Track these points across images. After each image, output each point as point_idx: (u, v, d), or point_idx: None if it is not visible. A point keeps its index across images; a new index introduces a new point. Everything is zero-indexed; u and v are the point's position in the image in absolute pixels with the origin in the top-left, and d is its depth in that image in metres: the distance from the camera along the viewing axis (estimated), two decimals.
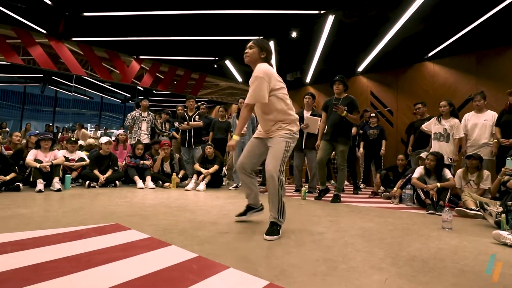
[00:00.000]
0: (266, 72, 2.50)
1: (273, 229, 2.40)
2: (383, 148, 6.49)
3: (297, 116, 2.69)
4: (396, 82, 7.91)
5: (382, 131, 6.58)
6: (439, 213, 3.72)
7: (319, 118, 5.22)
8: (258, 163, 2.84)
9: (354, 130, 5.96)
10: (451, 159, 4.72)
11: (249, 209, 2.96)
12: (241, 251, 1.97)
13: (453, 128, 4.76)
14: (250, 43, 2.66)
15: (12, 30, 7.65)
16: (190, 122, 6.03)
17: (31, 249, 1.83)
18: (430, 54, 7.18)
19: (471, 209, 3.69)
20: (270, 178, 2.44)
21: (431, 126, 5.06)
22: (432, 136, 5.01)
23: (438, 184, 4.15)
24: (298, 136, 2.64)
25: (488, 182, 4.31)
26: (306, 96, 5.60)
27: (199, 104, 6.57)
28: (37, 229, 2.28)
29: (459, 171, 4.63)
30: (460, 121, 4.88)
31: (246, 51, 2.66)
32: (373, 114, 6.82)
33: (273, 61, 8.38)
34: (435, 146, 4.89)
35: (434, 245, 2.30)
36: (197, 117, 6.13)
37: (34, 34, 7.95)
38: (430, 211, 3.88)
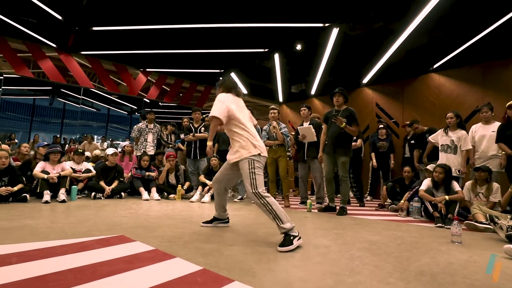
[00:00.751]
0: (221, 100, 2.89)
1: (285, 240, 2.41)
2: (392, 161, 6.45)
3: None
4: (401, 94, 7.89)
5: (391, 144, 6.56)
6: (447, 226, 3.66)
7: (311, 126, 5.25)
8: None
9: (359, 142, 5.93)
10: (459, 171, 4.66)
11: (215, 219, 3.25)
12: (246, 264, 1.95)
13: (460, 139, 4.71)
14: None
15: (23, 44, 7.85)
16: (195, 134, 6.06)
17: (36, 260, 1.83)
18: (435, 66, 7.18)
19: (481, 223, 3.62)
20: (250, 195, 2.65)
21: (438, 137, 5.02)
22: (439, 148, 4.96)
23: (447, 197, 4.09)
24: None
25: (498, 195, 4.23)
26: (302, 109, 5.62)
27: (204, 116, 6.61)
28: (43, 240, 2.28)
29: (468, 184, 4.56)
30: (467, 133, 4.83)
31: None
32: (381, 126, 6.78)
33: (277, 73, 8.51)
34: (442, 158, 4.83)
35: (444, 260, 2.25)
36: (202, 128, 6.16)
37: (44, 48, 8.14)
38: (438, 224, 3.81)
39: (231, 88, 3.04)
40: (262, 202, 2.57)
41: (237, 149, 2.82)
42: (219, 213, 3.22)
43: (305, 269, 1.89)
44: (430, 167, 4.85)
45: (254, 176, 2.63)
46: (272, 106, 5.49)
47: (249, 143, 2.78)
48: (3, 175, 4.27)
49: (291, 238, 2.42)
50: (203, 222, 3.22)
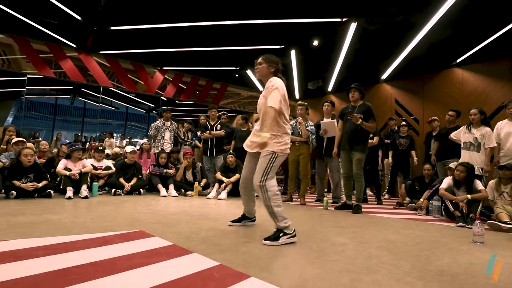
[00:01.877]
0: (281, 85, 2.68)
1: (273, 234, 2.49)
2: (415, 158, 6.31)
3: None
4: (422, 90, 7.71)
5: (412, 141, 6.41)
6: (469, 226, 3.55)
7: (335, 121, 5.17)
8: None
9: (375, 139, 5.82)
10: (482, 169, 4.50)
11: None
12: (263, 260, 1.96)
13: (484, 137, 4.55)
14: (259, 59, 2.80)
15: (45, 45, 8.09)
16: (212, 131, 6.10)
17: (60, 253, 1.90)
18: (458, 60, 6.96)
19: (505, 223, 3.51)
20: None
21: (460, 134, 4.87)
22: (462, 146, 4.81)
23: (469, 196, 3.97)
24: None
25: None
26: (325, 104, 5.54)
27: (220, 113, 6.65)
28: (66, 235, 2.36)
29: (492, 182, 4.40)
30: (492, 130, 4.66)
31: (256, 67, 2.81)
32: (403, 123, 6.64)
33: (294, 69, 8.45)
34: (465, 156, 4.68)
35: (465, 260, 2.20)
36: (218, 126, 6.19)
37: (65, 48, 8.37)
38: (459, 224, 3.71)
39: (281, 70, 2.81)
40: (265, 196, 2.55)
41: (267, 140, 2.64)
42: (248, 211, 3.23)
43: (321, 267, 1.88)
44: (452, 165, 4.71)
45: (269, 171, 2.58)
46: (300, 102, 5.43)
47: (282, 138, 2.67)
48: (29, 172, 4.44)
49: (280, 234, 2.46)
50: (231, 221, 3.16)
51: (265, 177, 2.57)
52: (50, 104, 17.61)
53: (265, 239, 2.44)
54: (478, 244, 2.73)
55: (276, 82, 2.66)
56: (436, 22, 5.56)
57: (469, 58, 6.77)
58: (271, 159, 2.59)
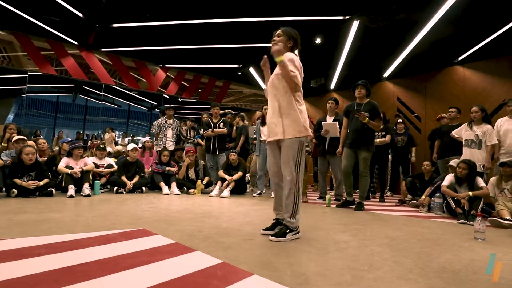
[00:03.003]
0: (298, 60, 2.55)
1: (279, 231, 2.47)
2: (413, 155, 6.30)
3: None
4: (424, 88, 7.69)
5: (410, 138, 6.40)
6: (470, 222, 3.56)
7: (336, 122, 5.16)
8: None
9: (388, 137, 5.74)
10: (483, 166, 4.51)
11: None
12: (265, 258, 1.96)
13: (485, 134, 4.56)
14: (279, 31, 2.63)
15: (46, 42, 8.09)
16: (214, 129, 6.11)
17: (63, 252, 1.90)
18: (460, 58, 6.94)
19: (506, 219, 3.51)
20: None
21: (462, 132, 4.87)
22: (463, 143, 4.81)
23: (470, 193, 3.97)
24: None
25: None
26: (329, 101, 5.54)
27: (226, 111, 6.65)
28: (68, 233, 2.37)
29: (493, 179, 4.41)
30: (493, 127, 4.66)
31: (274, 38, 2.62)
32: (400, 120, 6.64)
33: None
34: (466, 153, 4.69)
35: (466, 256, 2.20)
36: (221, 124, 6.20)
37: (66, 45, 8.38)
38: (461, 221, 3.72)
39: (298, 48, 2.66)
40: (296, 189, 2.45)
41: (289, 123, 2.49)
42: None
43: (324, 264, 1.89)
44: (454, 162, 4.71)
45: (300, 160, 2.48)
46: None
47: (305, 121, 2.52)
48: (31, 170, 4.45)
49: (286, 231, 2.45)
50: (263, 230, 2.67)
51: (299, 168, 2.47)
52: (51, 101, 17.62)
53: (272, 235, 2.44)
54: (480, 240, 2.73)
55: (293, 56, 2.53)
56: (437, 20, 5.56)
57: (470, 56, 6.75)
58: (299, 147, 2.48)
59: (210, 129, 6.13)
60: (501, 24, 5.53)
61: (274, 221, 2.71)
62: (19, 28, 7.67)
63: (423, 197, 4.71)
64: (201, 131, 6.67)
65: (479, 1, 5.06)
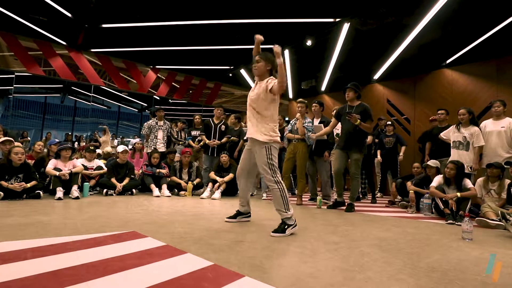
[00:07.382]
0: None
1: (279, 227, 2.76)
2: (401, 154, 6.37)
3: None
4: (413, 90, 7.80)
5: (398, 139, 6.48)
6: (458, 223, 3.62)
7: (322, 125, 5.17)
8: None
9: (370, 139, 5.86)
10: (471, 168, 4.59)
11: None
12: (257, 260, 1.96)
13: (473, 136, 4.63)
14: (257, 57, 3.02)
15: (34, 42, 7.96)
16: (216, 141, 6.10)
17: (50, 255, 1.87)
18: (448, 61, 7.06)
19: (493, 220, 3.58)
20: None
21: (450, 134, 4.95)
22: (451, 145, 4.89)
23: (458, 194, 4.04)
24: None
25: None
26: (313, 105, 5.60)
27: (231, 114, 6.66)
28: (56, 236, 2.33)
29: (480, 180, 4.50)
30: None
31: (254, 65, 3.03)
32: (389, 122, 6.72)
33: (288, 69, 8.47)
34: (454, 154, 4.77)
35: (454, 256, 2.24)
36: (223, 126, 6.17)
37: (54, 45, 8.25)
38: (449, 221, 3.78)
39: (276, 69, 2.96)
40: (278, 187, 2.85)
41: (265, 132, 2.91)
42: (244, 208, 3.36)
43: (315, 265, 1.90)
44: (431, 162, 4.80)
45: (272, 162, 2.88)
46: (300, 100, 5.29)
47: (275, 130, 2.95)
48: (19, 172, 4.34)
49: (285, 227, 2.74)
50: (227, 218, 3.30)
51: (274, 170, 2.88)
52: (39, 102, 17.34)
53: (273, 232, 2.69)
54: (467, 240, 2.78)
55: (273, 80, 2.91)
56: (426, 24, 5.65)
57: (458, 59, 6.86)
58: (267, 152, 2.87)
59: (213, 141, 6.12)
60: (488, 27, 5.65)
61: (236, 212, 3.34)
62: (6, 28, 7.52)
63: (409, 188, 4.90)
64: (194, 133, 6.63)
65: (467, 5, 5.16)
